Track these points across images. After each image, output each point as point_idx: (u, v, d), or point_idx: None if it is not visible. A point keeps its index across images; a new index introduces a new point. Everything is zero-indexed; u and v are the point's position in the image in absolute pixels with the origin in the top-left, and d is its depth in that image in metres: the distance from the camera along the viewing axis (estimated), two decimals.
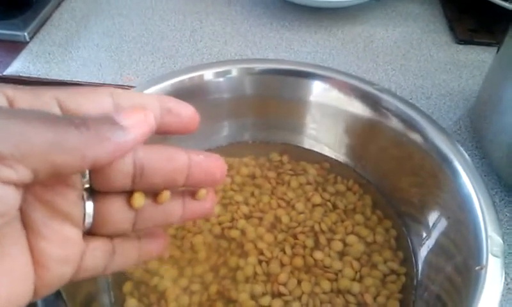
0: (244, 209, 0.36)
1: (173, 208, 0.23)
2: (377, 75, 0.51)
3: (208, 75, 0.37)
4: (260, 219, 0.36)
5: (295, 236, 0.35)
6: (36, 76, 0.50)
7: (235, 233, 0.35)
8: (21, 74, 0.50)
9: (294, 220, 0.36)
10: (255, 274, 0.33)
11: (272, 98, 0.39)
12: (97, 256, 0.21)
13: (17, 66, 0.51)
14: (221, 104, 0.39)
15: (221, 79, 0.37)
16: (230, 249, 0.34)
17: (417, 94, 0.50)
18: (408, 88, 0.50)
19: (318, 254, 0.34)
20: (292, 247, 0.34)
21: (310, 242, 0.35)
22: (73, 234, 0.20)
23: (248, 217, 0.36)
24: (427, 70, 0.53)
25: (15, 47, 0.53)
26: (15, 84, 0.49)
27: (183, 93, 0.36)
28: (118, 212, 0.21)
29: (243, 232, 0.35)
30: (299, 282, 0.32)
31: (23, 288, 0.19)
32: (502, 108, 0.41)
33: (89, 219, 0.21)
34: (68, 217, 0.20)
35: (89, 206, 0.21)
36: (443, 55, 0.55)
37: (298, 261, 0.33)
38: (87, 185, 0.21)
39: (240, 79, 0.38)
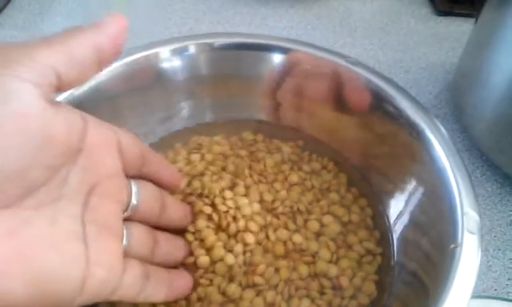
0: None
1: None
2: (355, 50, 0.50)
3: (164, 53, 0.35)
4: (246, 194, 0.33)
5: (277, 217, 0.33)
6: None
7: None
8: None
9: (276, 198, 0.34)
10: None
11: (234, 75, 0.37)
12: (135, 275, 0.24)
13: None
14: (180, 84, 0.37)
15: (179, 57, 0.35)
16: None
17: (396, 68, 0.48)
18: (386, 63, 0.49)
19: (297, 237, 0.32)
20: (275, 230, 0.32)
21: (291, 225, 0.32)
22: (119, 247, 0.23)
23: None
24: (406, 44, 0.51)
25: None
26: None
27: (140, 72, 0.34)
28: (142, 236, 0.26)
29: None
30: (277, 270, 0.30)
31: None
32: (481, 80, 0.39)
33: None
34: (117, 231, 0.24)
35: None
36: (423, 27, 0.53)
37: (279, 249, 0.31)
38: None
39: (199, 56, 0.36)
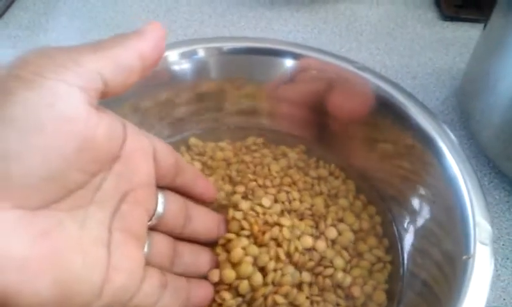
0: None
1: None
2: (361, 55, 0.49)
3: (173, 56, 0.34)
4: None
5: (301, 218, 0.32)
6: None
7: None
8: None
9: (292, 200, 0.33)
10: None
11: (242, 80, 0.37)
12: (153, 285, 0.24)
13: None
14: (187, 88, 0.36)
15: (186, 61, 0.35)
16: None
17: (402, 74, 0.48)
18: (392, 68, 0.48)
19: (320, 244, 0.30)
20: (299, 236, 0.30)
21: (314, 230, 0.31)
22: (141, 255, 0.23)
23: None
24: (413, 49, 0.51)
25: None
26: None
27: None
28: (162, 246, 0.26)
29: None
30: (299, 289, 0.29)
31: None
32: (489, 86, 0.39)
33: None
34: (141, 239, 0.24)
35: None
36: (429, 32, 0.52)
37: (308, 263, 0.30)
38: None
39: (209, 61, 0.35)
